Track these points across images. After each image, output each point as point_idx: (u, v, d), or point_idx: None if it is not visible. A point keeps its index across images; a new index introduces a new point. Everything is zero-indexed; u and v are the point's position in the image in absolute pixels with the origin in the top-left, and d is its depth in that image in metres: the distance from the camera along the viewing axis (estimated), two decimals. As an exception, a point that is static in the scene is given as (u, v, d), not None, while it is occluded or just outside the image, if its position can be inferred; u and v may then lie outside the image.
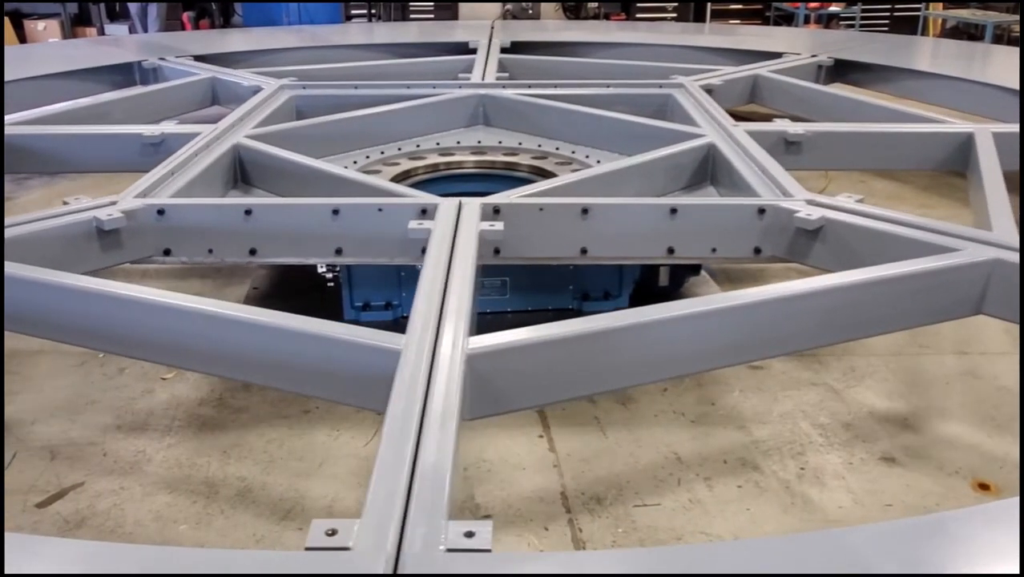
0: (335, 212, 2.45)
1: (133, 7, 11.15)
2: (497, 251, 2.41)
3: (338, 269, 2.93)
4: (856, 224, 2.32)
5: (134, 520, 2.13)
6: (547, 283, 2.97)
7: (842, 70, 5.05)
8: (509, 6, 12.10)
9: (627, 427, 2.52)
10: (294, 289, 3.36)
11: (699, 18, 12.29)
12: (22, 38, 11.03)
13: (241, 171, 3.10)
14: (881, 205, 4.36)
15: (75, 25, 11.80)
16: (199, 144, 3.04)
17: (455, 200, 2.44)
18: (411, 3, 12.13)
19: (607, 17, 12.08)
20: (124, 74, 5.01)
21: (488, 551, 1.13)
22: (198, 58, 5.14)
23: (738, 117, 3.50)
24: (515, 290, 2.96)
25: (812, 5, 11.84)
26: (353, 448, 2.42)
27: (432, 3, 12.00)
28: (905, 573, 1.05)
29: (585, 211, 2.43)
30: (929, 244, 2.18)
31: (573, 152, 3.40)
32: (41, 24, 11.44)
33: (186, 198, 2.61)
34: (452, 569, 1.11)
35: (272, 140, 3.18)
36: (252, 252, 2.50)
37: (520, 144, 3.51)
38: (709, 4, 12.30)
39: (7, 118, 3.74)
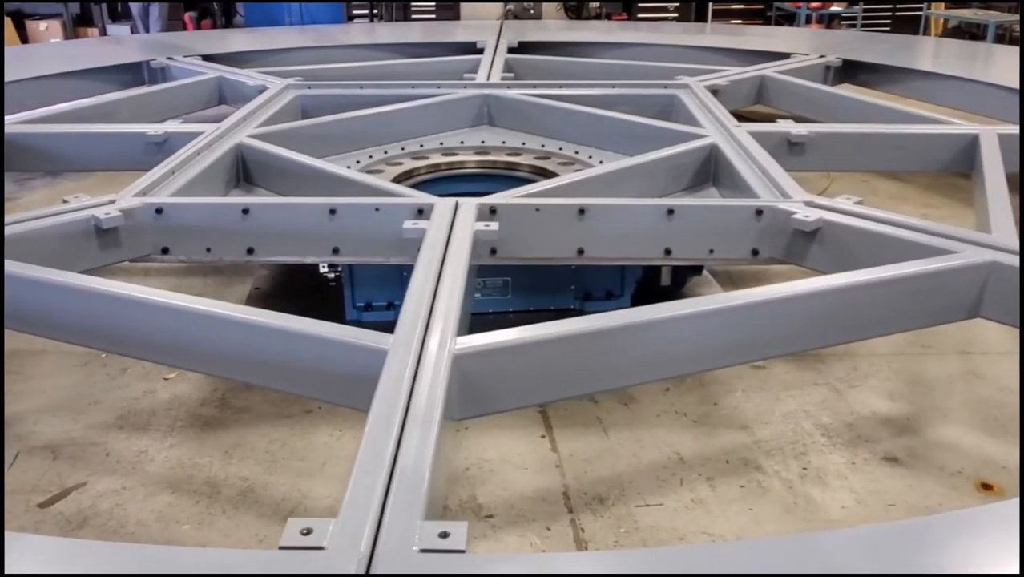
0: (332, 212, 2.45)
1: (135, 7, 11.17)
2: (494, 251, 2.41)
3: (340, 269, 2.93)
4: (853, 226, 2.31)
5: (136, 520, 2.13)
6: (549, 283, 2.97)
7: (850, 71, 5.02)
8: (511, 6, 12.10)
9: (629, 427, 2.52)
10: (296, 289, 3.36)
11: (700, 18, 12.29)
12: (24, 38, 11.05)
13: (243, 170, 3.11)
14: (884, 205, 4.38)
15: (77, 25, 11.82)
16: (201, 143, 3.05)
17: (451, 200, 2.44)
18: (412, 3, 12.14)
19: (608, 17, 12.09)
20: (133, 73, 5.02)
21: (462, 552, 1.13)
22: (206, 58, 5.14)
23: (743, 117, 3.50)
24: (517, 290, 2.96)
25: (814, 5, 11.84)
26: (356, 448, 2.41)
27: (434, 3, 12.01)
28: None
29: (582, 211, 2.43)
30: (927, 246, 2.17)
31: (576, 152, 3.40)
32: (43, 24, 11.46)
33: (185, 197, 2.61)
34: (424, 569, 1.12)
35: (274, 140, 3.18)
36: (250, 251, 2.50)
37: (524, 144, 3.51)
38: (711, 4, 12.30)
39: (13, 117, 3.75)
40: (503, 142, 3.55)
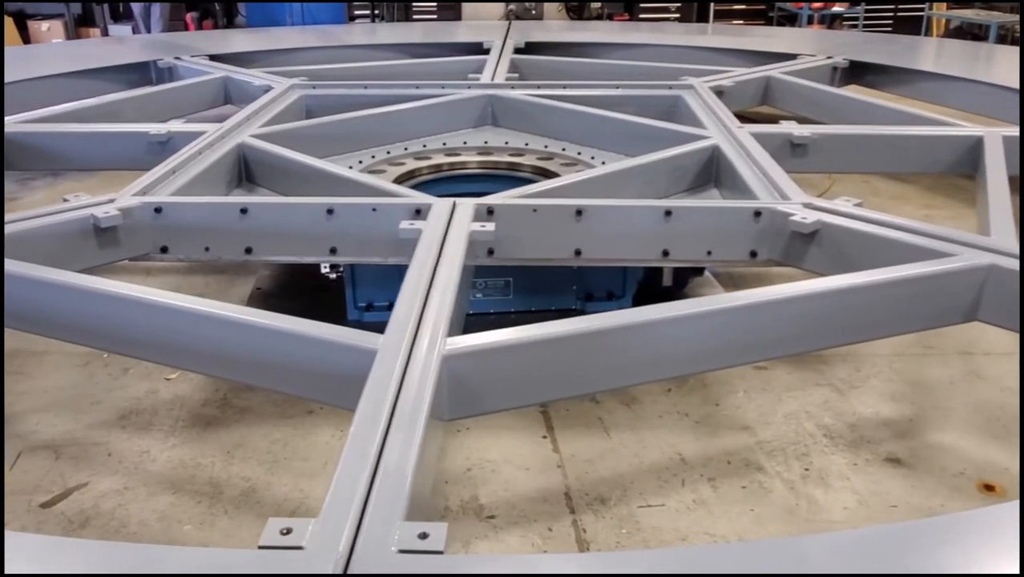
0: (330, 212, 2.45)
1: (136, 8, 11.18)
2: (491, 252, 2.41)
3: (341, 269, 2.93)
4: (851, 228, 2.30)
5: (138, 520, 2.13)
6: (551, 284, 2.97)
7: (858, 72, 5.00)
8: (512, 6, 12.11)
9: (631, 428, 2.52)
10: (298, 289, 3.37)
11: (702, 18, 12.29)
12: (26, 39, 11.07)
13: (245, 170, 3.11)
14: (885, 205, 4.39)
15: (78, 26, 11.84)
16: (203, 143, 3.05)
17: (449, 200, 2.44)
18: (414, 3, 12.14)
19: (610, 17, 12.10)
20: (140, 73, 5.02)
21: (440, 552, 1.12)
22: (213, 57, 5.14)
23: (748, 119, 3.49)
24: (518, 291, 2.96)
25: (816, 5, 11.85)
26: (357, 448, 2.42)
27: (435, 3, 12.01)
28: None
29: (579, 212, 2.42)
30: (925, 249, 2.15)
31: (579, 153, 3.40)
32: (45, 24, 11.48)
33: (184, 197, 2.62)
34: (402, 569, 1.11)
35: (277, 139, 3.18)
36: (248, 251, 2.50)
37: (527, 145, 3.51)
38: (712, 4, 12.30)
39: (18, 116, 3.75)
40: (506, 143, 3.55)
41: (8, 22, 10.62)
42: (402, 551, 1.13)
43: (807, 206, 2.42)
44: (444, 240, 2.20)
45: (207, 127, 3.29)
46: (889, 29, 11.78)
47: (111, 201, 2.47)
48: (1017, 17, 10.39)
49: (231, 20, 12.53)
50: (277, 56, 5.42)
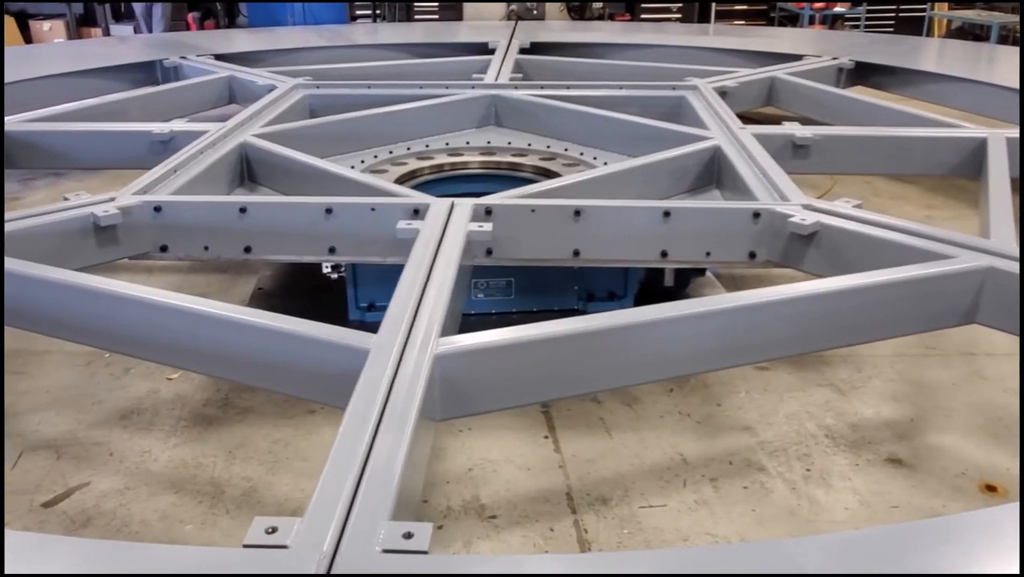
0: (328, 211, 2.46)
1: (138, 7, 11.19)
2: (490, 252, 2.41)
3: (343, 268, 2.93)
4: (850, 230, 2.29)
5: (140, 520, 2.14)
6: (552, 284, 2.97)
7: (864, 73, 4.98)
8: (514, 6, 12.10)
9: (632, 428, 2.52)
10: (299, 289, 3.37)
11: (703, 18, 12.28)
12: (27, 38, 11.07)
13: (248, 169, 3.11)
14: (886, 205, 4.39)
15: (80, 25, 11.84)
16: (205, 142, 3.05)
17: (447, 200, 2.44)
18: (415, 3, 12.14)
19: (611, 17, 12.09)
20: (146, 72, 5.04)
21: (425, 552, 1.12)
22: (219, 57, 5.15)
23: (753, 120, 3.49)
24: (520, 291, 2.96)
25: (817, 5, 11.84)
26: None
27: (436, 3, 12.01)
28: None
29: (577, 213, 2.42)
30: (924, 251, 2.14)
31: (581, 154, 3.40)
32: (46, 24, 11.48)
33: (184, 196, 2.62)
34: (385, 569, 1.11)
35: (279, 139, 3.18)
36: (247, 249, 2.51)
37: (529, 145, 3.51)
38: (714, 4, 12.29)
39: (22, 115, 3.76)
40: (509, 143, 3.55)
41: (10, 22, 10.63)
42: (386, 551, 1.13)
43: (806, 207, 2.41)
44: (441, 240, 2.20)
45: (210, 126, 3.29)
46: (891, 30, 11.77)
47: (111, 200, 2.47)
48: (1018, 18, 10.38)
49: (232, 20, 12.53)
50: (283, 56, 5.43)
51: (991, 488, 2.25)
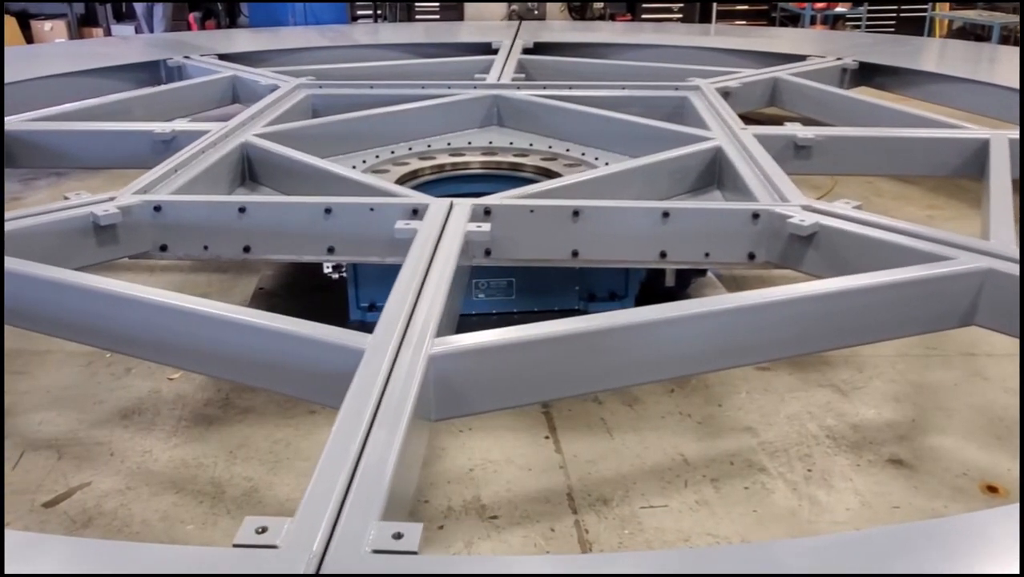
0: (327, 211, 2.46)
1: (139, 7, 11.20)
2: (488, 252, 2.41)
3: (344, 268, 2.93)
4: (849, 231, 2.29)
5: (141, 520, 2.14)
6: (553, 284, 2.97)
7: (868, 74, 4.97)
8: (515, 6, 12.10)
9: (633, 428, 2.51)
10: (300, 289, 3.37)
11: (704, 18, 12.28)
12: (29, 38, 11.08)
13: (249, 169, 3.12)
14: (888, 205, 4.38)
15: (81, 25, 11.85)
16: (206, 142, 3.05)
17: (446, 201, 2.44)
18: (416, 3, 12.13)
19: (612, 18, 12.09)
20: (150, 72, 5.04)
21: (414, 553, 1.12)
22: (222, 57, 5.15)
23: (756, 120, 3.48)
24: (521, 291, 2.96)
25: (818, 6, 11.84)
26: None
27: (437, 3, 12.01)
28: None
29: (576, 213, 2.42)
30: (923, 252, 2.14)
31: (583, 154, 3.39)
32: (48, 24, 11.49)
33: (184, 195, 2.62)
34: (374, 570, 1.11)
35: (280, 139, 3.18)
36: (246, 249, 2.51)
37: (531, 145, 3.51)
38: (715, 4, 12.29)
39: (26, 114, 3.76)
40: (511, 143, 3.55)
41: (11, 22, 10.64)
42: (376, 551, 1.13)
43: (806, 208, 2.41)
44: (439, 240, 2.20)
45: (211, 126, 3.29)
46: (892, 30, 11.76)
47: (111, 199, 2.48)
48: (1019, 18, 10.38)
49: (233, 20, 12.54)
50: (286, 55, 5.43)
51: (992, 489, 2.25)
